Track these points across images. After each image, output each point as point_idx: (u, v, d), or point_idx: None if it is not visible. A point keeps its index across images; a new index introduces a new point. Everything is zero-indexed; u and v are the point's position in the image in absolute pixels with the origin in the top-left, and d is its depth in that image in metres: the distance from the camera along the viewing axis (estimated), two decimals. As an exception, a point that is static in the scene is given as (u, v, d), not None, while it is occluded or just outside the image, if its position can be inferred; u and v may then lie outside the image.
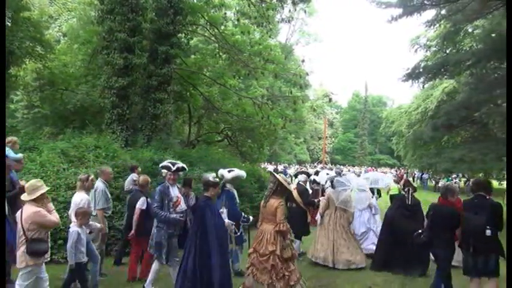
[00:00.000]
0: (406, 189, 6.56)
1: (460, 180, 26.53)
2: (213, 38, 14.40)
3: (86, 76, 13.73)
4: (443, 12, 13.37)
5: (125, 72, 10.57)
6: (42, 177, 7.05)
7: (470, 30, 17.61)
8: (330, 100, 47.58)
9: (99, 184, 5.61)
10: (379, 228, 7.16)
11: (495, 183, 25.91)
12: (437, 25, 15.44)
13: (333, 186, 6.98)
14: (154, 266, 4.96)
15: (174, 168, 5.04)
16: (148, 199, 5.57)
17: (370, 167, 45.84)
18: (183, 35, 12.67)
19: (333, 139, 64.04)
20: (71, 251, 4.42)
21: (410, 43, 25.00)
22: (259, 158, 19.36)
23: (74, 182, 7.02)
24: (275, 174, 4.95)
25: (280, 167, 31.36)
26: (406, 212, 6.38)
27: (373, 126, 60.51)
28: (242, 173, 6.02)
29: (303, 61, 20.62)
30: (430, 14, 14.97)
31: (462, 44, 19.16)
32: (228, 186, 5.72)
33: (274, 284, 4.44)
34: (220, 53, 14.18)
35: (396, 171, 33.15)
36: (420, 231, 5.08)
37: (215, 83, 15.09)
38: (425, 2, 12.23)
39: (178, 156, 10.19)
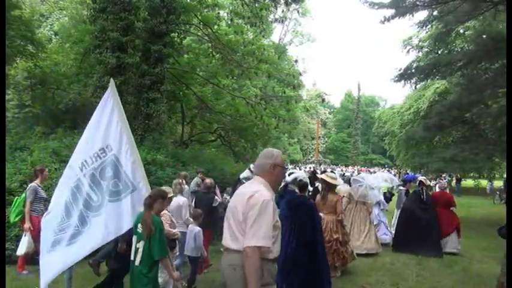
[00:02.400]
0: (420, 187, 8.13)
1: (451, 179, 26.76)
2: (206, 38, 14.37)
3: (78, 75, 13.61)
4: (435, 13, 13.49)
5: (118, 71, 10.50)
6: (33, 177, 6.98)
7: (461, 31, 17.82)
8: (323, 100, 47.83)
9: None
10: (386, 221, 8.70)
11: (485, 182, 26.23)
12: (429, 26, 15.60)
13: (350, 184, 8.18)
14: None
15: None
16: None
17: (362, 167, 46.04)
18: (176, 34, 12.62)
19: (326, 139, 64.35)
20: (193, 249, 5.06)
21: (403, 44, 25.22)
22: (252, 157, 19.36)
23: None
24: (321, 176, 6.13)
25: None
26: (422, 205, 7.88)
27: (366, 126, 60.91)
28: (300, 173, 6.96)
29: (296, 61, 20.70)
30: (422, 15, 15.12)
31: (454, 45, 19.38)
32: (291, 187, 6.22)
33: (335, 264, 5.68)
34: (214, 53, 14.15)
35: (389, 171, 33.37)
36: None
37: (208, 83, 15.06)
38: (418, 3, 12.32)
39: (171, 156, 10.16)
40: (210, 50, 14.25)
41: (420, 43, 23.61)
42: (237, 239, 2.30)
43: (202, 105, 15.50)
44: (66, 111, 13.34)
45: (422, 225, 7.64)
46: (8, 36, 11.15)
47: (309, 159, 56.06)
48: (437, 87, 22.87)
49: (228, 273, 2.35)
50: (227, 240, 2.40)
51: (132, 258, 3.40)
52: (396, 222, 8.65)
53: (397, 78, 14.62)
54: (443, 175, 25.78)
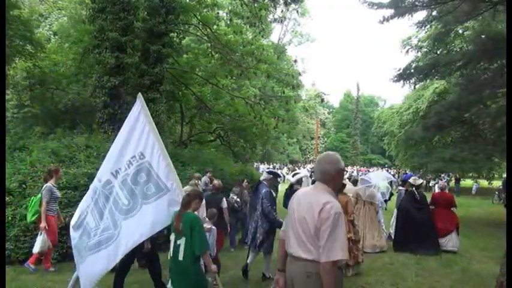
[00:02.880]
0: (412, 188, 8.33)
1: (450, 179, 26.76)
2: (205, 38, 14.36)
3: (77, 75, 13.62)
4: (434, 13, 13.50)
5: (117, 71, 10.51)
6: (32, 177, 6.99)
7: (460, 31, 17.84)
8: (322, 100, 47.74)
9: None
10: (382, 220, 8.80)
11: (485, 183, 26.26)
12: (428, 26, 15.62)
13: (355, 184, 8.53)
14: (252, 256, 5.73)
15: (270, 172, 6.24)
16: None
17: (362, 167, 46.04)
18: (175, 34, 12.62)
19: (325, 139, 64.33)
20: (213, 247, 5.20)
21: (402, 44, 25.23)
22: (251, 157, 19.39)
23: (64, 182, 6.97)
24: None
25: (262, 168, 31.35)
26: (416, 205, 8.05)
27: (365, 126, 60.90)
28: (305, 173, 7.30)
29: (295, 61, 20.65)
30: (421, 15, 15.18)
31: (453, 45, 19.40)
32: (296, 186, 6.50)
33: (348, 262, 5.80)
34: (213, 53, 14.15)
35: (388, 171, 33.40)
36: None
37: (207, 83, 15.06)
38: (417, 3, 12.33)
39: (171, 156, 10.13)
40: (209, 50, 14.26)
41: (419, 43, 23.64)
42: (309, 250, 2.35)
43: (202, 105, 15.51)
44: (65, 111, 13.36)
45: (418, 224, 7.81)
46: (7, 36, 11.14)
47: (308, 157, 56.11)
48: (437, 87, 22.88)
49: (300, 280, 2.39)
50: (295, 249, 2.43)
51: (171, 255, 3.58)
52: (395, 222, 8.76)
53: (396, 78, 14.63)
54: (443, 175, 25.80)
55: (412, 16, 12.49)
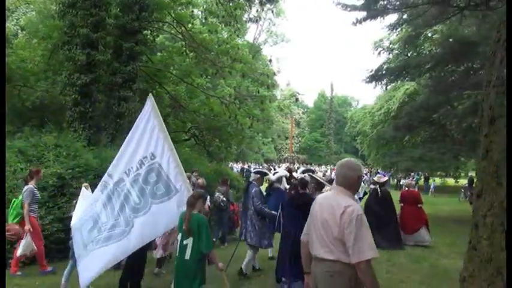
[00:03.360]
0: (376, 185, 8.77)
1: (420, 178, 27.56)
2: (179, 36, 14.20)
3: (46, 72, 13.15)
4: (405, 16, 13.87)
5: (88, 68, 10.24)
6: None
7: (429, 34, 18.38)
8: (297, 100, 48.14)
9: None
10: None
11: (451, 181, 27.22)
12: (399, 29, 16.01)
13: (331, 183, 8.38)
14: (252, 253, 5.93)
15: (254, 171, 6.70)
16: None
17: (335, 166, 46.88)
18: (149, 32, 12.41)
19: (300, 138, 64.89)
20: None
21: (374, 45, 25.79)
22: (226, 157, 19.30)
23: (32, 183, 6.72)
24: (313, 175, 6.45)
25: (236, 167, 31.41)
26: (378, 201, 8.45)
27: (339, 126, 61.93)
28: (284, 173, 7.43)
29: (270, 61, 20.78)
30: (392, 18, 15.55)
31: (422, 47, 19.97)
32: (276, 185, 6.79)
33: None
34: (187, 51, 14.01)
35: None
36: None
37: (182, 82, 14.90)
38: (388, 6, 12.64)
39: (144, 155, 9.96)
40: (184, 49, 14.11)
41: (391, 45, 24.23)
42: (332, 251, 2.45)
43: (176, 104, 15.31)
44: (33, 109, 12.86)
45: (379, 218, 8.22)
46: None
47: (282, 155, 56.42)
48: (407, 89, 23.51)
49: (324, 279, 2.49)
50: (319, 250, 2.54)
51: (177, 253, 3.75)
52: None
53: (368, 79, 14.95)
54: (412, 174, 26.54)
55: (383, 19, 12.81)
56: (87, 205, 4.26)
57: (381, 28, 26.22)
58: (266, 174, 6.93)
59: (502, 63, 1.19)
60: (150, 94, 4.48)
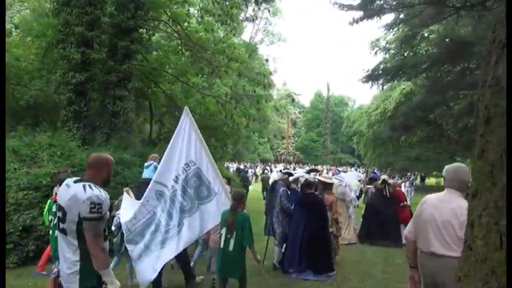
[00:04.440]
0: (383, 185, 8.96)
1: (416, 178, 27.62)
2: (175, 35, 14.16)
3: (40, 71, 13.07)
4: (401, 16, 13.93)
5: (83, 67, 10.19)
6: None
7: (426, 34, 18.48)
8: (293, 100, 48.20)
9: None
10: (353, 215, 9.43)
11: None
12: (396, 29, 16.09)
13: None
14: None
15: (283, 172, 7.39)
16: None
17: (332, 166, 46.70)
18: (145, 30, 12.37)
19: (296, 138, 64.97)
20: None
21: (371, 45, 25.90)
22: (222, 157, 19.27)
23: (25, 183, 6.71)
24: (318, 177, 7.08)
25: (232, 167, 31.37)
26: (384, 201, 8.69)
27: (335, 126, 61.97)
28: (301, 174, 7.81)
29: (266, 60, 20.74)
30: (389, 17, 15.58)
31: (419, 47, 20.07)
32: (293, 185, 7.05)
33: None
34: (183, 50, 13.98)
35: (357, 170, 34.16)
36: None
37: (177, 81, 14.86)
38: (385, 6, 12.68)
39: (139, 155, 9.98)
40: (180, 48, 14.07)
41: (387, 45, 24.33)
42: (454, 249, 2.73)
43: (171, 104, 15.29)
44: (27, 108, 12.79)
45: (383, 218, 8.50)
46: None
47: (278, 151, 56.44)
48: (404, 89, 23.59)
49: (449, 275, 2.60)
50: (438, 248, 2.83)
51: (221, 246, 4.24)
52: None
53: (365, 79, 14.99)
54: (408, 174, 26.65)
55: (380, 18, 12.86)
56: (136, 210, 4.59)
57: (377, 28, 26.35)
58: (291, 175, 7.47)
59: (497, 63, 1.19)
60: (186, 107, 4.96)
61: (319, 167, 37.50)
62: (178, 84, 15.16)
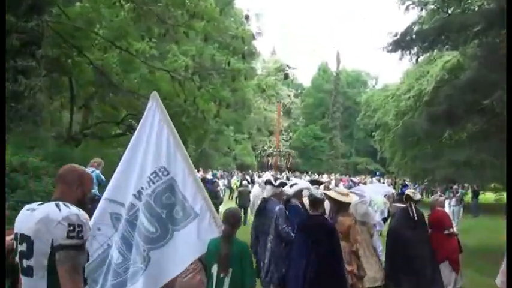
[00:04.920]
0: (408, 203, 8.60)
1: (466, 193, 27.72)
2: (109, -23, 14.05)
3: None
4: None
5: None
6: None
7: (480, -18, 18.75)
8: (286, 77, 48.42)
9: None
10: (380, 245, 9.36)
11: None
12: (437, -27, 16.24)
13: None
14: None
15: (276, 184, 7.28)
16: None
17: (343, 176, 46.24)
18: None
19: (290, 133, 65.23)
20: None
21: (400, -2, 26.10)
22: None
23: None
24: (326, 192, 7.09)
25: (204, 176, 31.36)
26: (411, 224, 8.38)
27: (348, 116, 62.30)
28: (305, 184, 7.96)
29: (246, 18, 20.74)
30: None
31: (469, 1, 20.36)
32: (293, 201, 7.23)
33: None
34: (122, 2, 13.88)
35: (380, 180, 34.28)
36: None
37: (113, 47, 14.75)
38: None
39: (52, 159, 9.87)
40: (117, -3, 13.99)
41: (424, -2, 24.58)
42: None
43: (104, 81, 15.15)
44: None
45: (411, 250, 8.21)
46: None
47: (264, 149, 56.41)
48: (447, 61, 23.87)
49: None
50: None
51: None
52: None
53: (391, 47, 15.12)
54: (455, 186, 26.87)
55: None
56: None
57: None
58: (285, 184, 7.62)
59: None
60: (154, 92, 4.86)
61: (324, 177, 37.75)
62: (113, 51, 15.04)
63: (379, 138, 35.78)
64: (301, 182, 8.69)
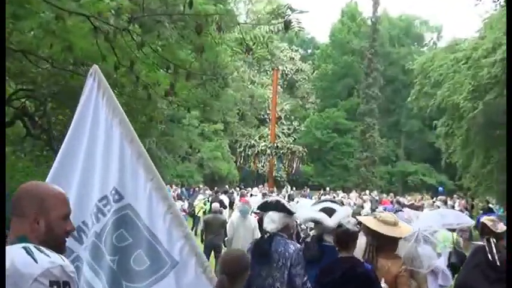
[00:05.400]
0: (485, 238, 8.69)
1: None
2: None
3: None
4: None
5: None
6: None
7: None
8: (288, 27, 48.61)
9: None
10: None
11: None
12: None
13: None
14: None
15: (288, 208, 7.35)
16: None
17: (385, 195, 45.93)
18: None
19: (295, 123, 65.03)
20: None
21: None
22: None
23: None
24: (363, 220, 7.41)
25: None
26: (491, 274, 8.40)
27: (392, 93, 62.68)
28: (346, 212, 7.88)
29: None
30: None
31: None
32: (328, 239, 7.37)
33: None
34: None
35: (446, 202, 34.05)
36: None
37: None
38: None
39: None
40: None
41: None
42: None
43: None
44: None
45: None
46: None
47: (252, 145, 55.12)
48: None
49: None
50: None
51: None
52: None
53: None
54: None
55: None
56: None
57: None
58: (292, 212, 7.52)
59: None
60: (94, 66, 4.98)
61: (352, 197, 37.82)
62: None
63: (445, 131, 35.82)
64: (343, 210, 8.27)
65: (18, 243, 2.70)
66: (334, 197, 32.91)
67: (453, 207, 29.40)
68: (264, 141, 56.12)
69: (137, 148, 4.71)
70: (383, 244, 6.83)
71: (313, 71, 68.68)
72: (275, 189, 41.57)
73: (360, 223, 7.61)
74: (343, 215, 7.48)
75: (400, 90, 58.91)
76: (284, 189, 43.26)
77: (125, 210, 4.51)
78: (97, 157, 4.60)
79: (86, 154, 4.62)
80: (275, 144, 50.86)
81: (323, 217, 7.43)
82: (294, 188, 46.15)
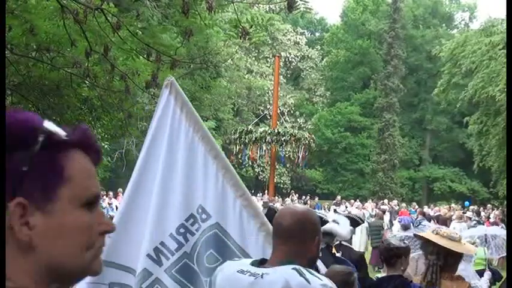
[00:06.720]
0: None
1: None
2: None
3: None
4: None
5: None
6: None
7: None
8: (291, 7, 48.58)
9: None
10: None
11: None
12: None
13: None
14: None
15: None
16: None
17: (406, 206, 45.95)
18: None
19: (300, 120, 65.21)
20: None
21: None
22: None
23: None
24: (423, 235, 7.09)
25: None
26: None
27: (416, 84, 62.83)
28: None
29: None
30: None
31: None
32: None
33: None
34: None
35: (479, 214, 34.03)
36: None
37: None
38: None
39: None
40: None
41: None
42: None
43: None
44: None
45: None
46: None
47: (246, 133, 54.88)
48: None
49: None
50: None
51: None
52: None
53: None
54: None
55: None
56: None
57: None
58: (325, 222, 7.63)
59: None
60: (170, 77, 5.13)
61: (368, 207, 37.92)
62: None
63: (478, 129, 35.83)
64: (341, 217, 8.84)
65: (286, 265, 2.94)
66: (346, 207, 33.07)
67: (488, 218, 29.38)
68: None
69: (223, 164, 4.85)
70: (448, 263, 6.65)
71: (322, 58, 68.88)
72: (277, 198, 41.55)
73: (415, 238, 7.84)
74: (347, 222, 8.06)
75: (425, 81, 59.14)
76: (289, 198, 43.31)
77: (213, 229, 4.72)
78: (178, 175, 4.78)
79: (164, 172, 4.79)
80: (276, 130, 49.38)
81: (336, 228, 7.63)
82: (299, 198, 46.21)
